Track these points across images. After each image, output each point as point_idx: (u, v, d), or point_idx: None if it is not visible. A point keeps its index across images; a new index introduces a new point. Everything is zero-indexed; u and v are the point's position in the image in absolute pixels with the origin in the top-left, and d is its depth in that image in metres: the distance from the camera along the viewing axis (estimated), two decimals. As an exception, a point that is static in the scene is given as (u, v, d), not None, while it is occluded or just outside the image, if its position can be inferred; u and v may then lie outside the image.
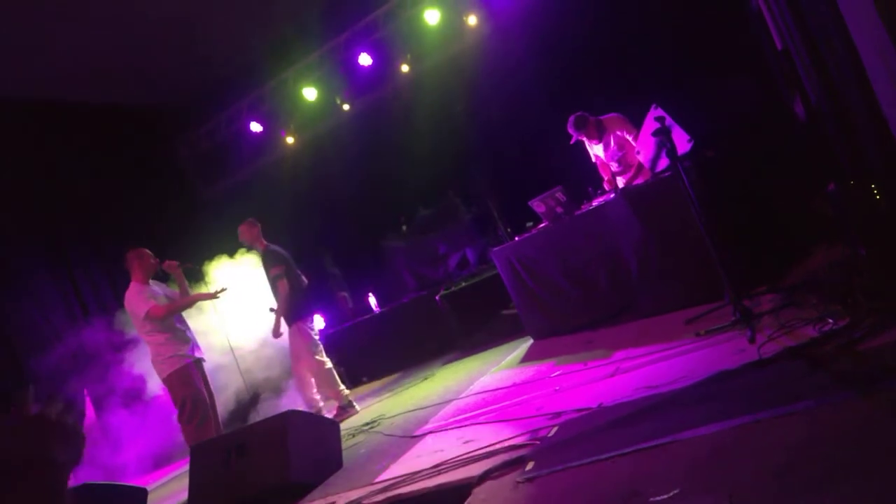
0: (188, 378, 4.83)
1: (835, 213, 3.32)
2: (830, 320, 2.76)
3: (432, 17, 7.58)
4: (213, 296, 5.32)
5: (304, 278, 5.95)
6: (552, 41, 7.12)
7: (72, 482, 6.27)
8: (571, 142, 5.48)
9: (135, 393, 6.69)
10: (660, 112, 3.76)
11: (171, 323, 4.93)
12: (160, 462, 6.83)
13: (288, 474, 3.61)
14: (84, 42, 7.17)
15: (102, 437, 7.03)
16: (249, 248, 6.16)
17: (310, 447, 3.81)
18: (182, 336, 4.99)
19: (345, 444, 4.31)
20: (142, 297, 4.87)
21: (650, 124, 3.82)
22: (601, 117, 5.42)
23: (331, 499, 3.39)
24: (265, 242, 5.80)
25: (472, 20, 7.60)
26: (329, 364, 5.72)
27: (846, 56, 2.75)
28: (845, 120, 3.49)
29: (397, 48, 8.04)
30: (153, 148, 9.22)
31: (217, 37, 7.93)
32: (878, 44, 2.15)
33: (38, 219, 7.73)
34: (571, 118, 5.36)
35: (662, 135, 3.68)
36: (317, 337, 5.78)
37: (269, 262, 5.66)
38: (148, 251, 5.10)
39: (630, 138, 5.26)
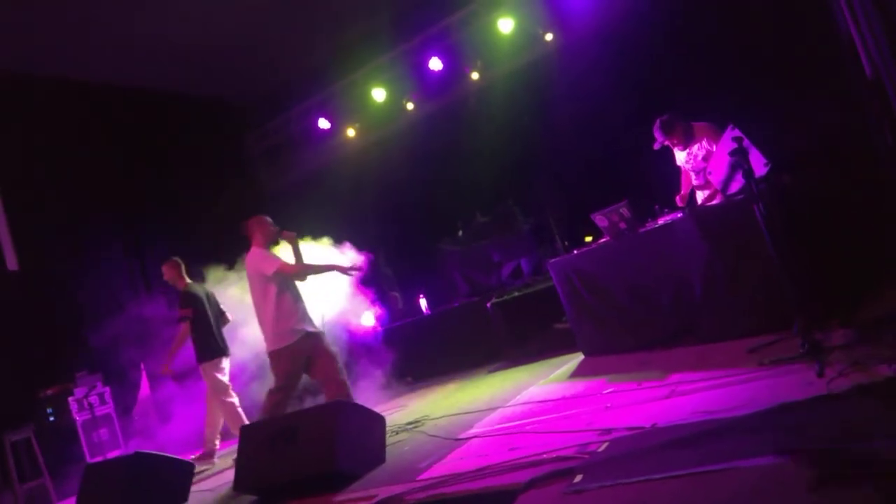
0: (295, 357, 4.75)
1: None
2: (907, 360, 2.62)
3: (506, 25, 7.61)
4: (349, 270, 5.15)
5: (227, 316, 6.12)
6: (627, 55, 7.04)
7: (123, 451, 6.59)
8: (655, 146, 5.14)
9: (188, 370, 6.92)
10: (737, 132, 3.66)
11: (296, 291, 4.90)
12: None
13: (334, 463, 3.66)
14: (168, 32, 7.50)
15: (155, 411, 7.31)
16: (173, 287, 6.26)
17: (357, 439, 3.86)
18: (301, 309, 4.88)
19: (389, 440, 4.34)
20: (268, 256, 4.84)
21: (726, 144, 3.73)
22: (692, 122, 5.11)
23: (373, 491, 3.42)
24: (185, 282, 6.02)
25: (544, 33, 7.60)
26: (237, 404, 5.85)
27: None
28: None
29: (468, 55, 8.11)
30: (224, 139, 9.60)
31: (290, 37, 8.18)
32: None
33: (115, 198, 8.11)
34: (658, 120, 5.05)
35: (739, 156, 3.57)
36: (226, 378, 5.88)
37: (181, 303, 5.91)
38: (268, 218, 5.06)
39: (715, 149, 5.01)
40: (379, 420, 4.11)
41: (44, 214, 7.38)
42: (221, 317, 6.12)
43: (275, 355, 4.78)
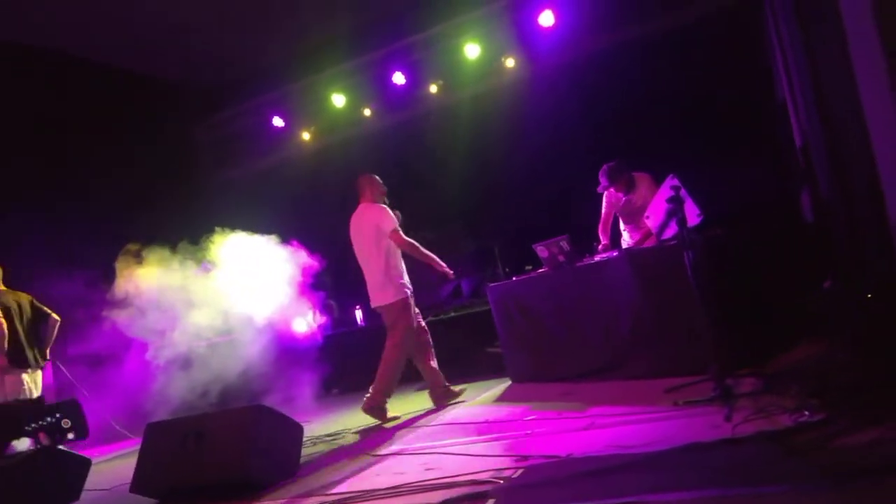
0: (409, 307, 5.05)
1: (826, 310, 3.37)
2: (807, 412, 2.77)
3: (472, 51, 7.74)
4: (445, 270, 5.25)
5: (54, 317, 6.07)
6: (586, 95, 7.28)
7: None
8: (599, 189, 5.40)
9: (102, 357, 6.61)
10: (676, 182, 3.83)
11: (400, 256, 5.07)
12: (113, 436, 6.70)
13: (246, 470, 3.56)
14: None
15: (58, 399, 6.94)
16: None
17: (272, 446, 3.76)
18: (404, 269, 5.15)
19: (305, 451, 4.26)
20: (389, 214, 5.06)
21: (665, 192, 3.88)
22: (633, 172, 5.40)
23: (281, 503, 3.35)
24: (2, 288, 5.94)
25: (510, 62, 7.76)
26: None
27: (864, 168, 2.83)
28: (853, 226, 3.57)
29: (432, 73, 8.18)
30: (171, 123, 9.27)
31: (251, 30, 8.04)
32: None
33: (44, 171, 7.70)
34: (606, 166, 5.30)
35: (675, 203, 3.73)
36: (22, 394, 5.77)
37: None
38: (378, 178, 5.30)
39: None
40: (297, 429, 4.03)
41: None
42: (46, 320, 5.98)
43: (389, 308, 5.02)
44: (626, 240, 5.59)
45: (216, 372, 6.80)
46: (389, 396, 5.15)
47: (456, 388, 5.26)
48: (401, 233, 5.05)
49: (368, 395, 5.06)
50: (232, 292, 6.55)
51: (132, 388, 6.12)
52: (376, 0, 7.87)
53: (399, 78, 8.08)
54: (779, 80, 5.36)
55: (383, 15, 8.07)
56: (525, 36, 7.55)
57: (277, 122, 8.94)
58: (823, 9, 2.93)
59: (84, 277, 6.90)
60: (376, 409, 5.01)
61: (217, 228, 6.65)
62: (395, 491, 3.07)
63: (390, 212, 5.11)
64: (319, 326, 7.63)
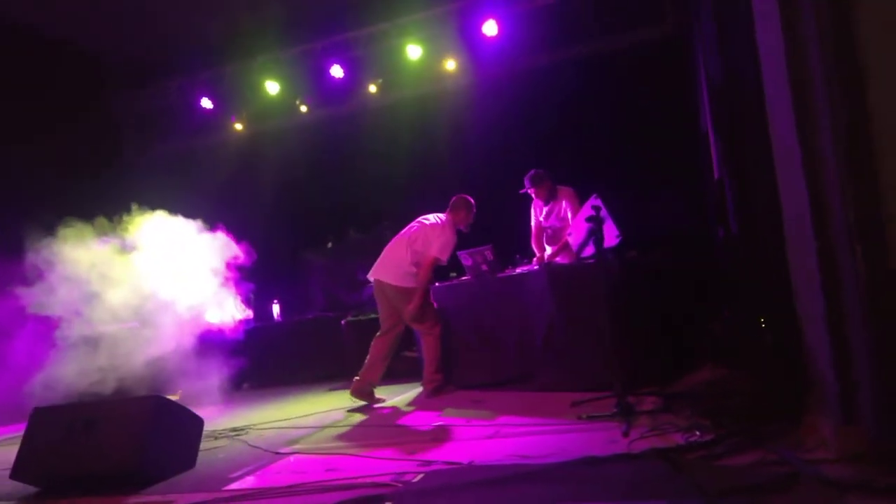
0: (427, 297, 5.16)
1: (724, 336, 3.55)
2: (698, 433, 2.90)
3: (414, 51, 7.72)
4: (412, 310, 5.06)
5: None
6: (521, 108, 7.42)
7: None
8: (522, 191, 5.55)
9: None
10: (598, 202, 3.93)
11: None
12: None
13: (139, 461, 3.39)
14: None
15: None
16: None
17: (168, 438, 3.60)
18: None
19: (205, 445, 4.09)
20: (451, 245, 5.09)
21: (587, 211, 3.99)
22: (557, 185, 5.57)
23: (172, 496, 3.20)
24: None
25: (450, 65, 7.79)
26: None
27: (769, 203, 2.99)
28: (754, 257, 3.78)
29: (372, 71, 8.10)
30: (94, 95, 8.78)
31: (186, 7, 7.71)
32: (798, 203, 2.35)
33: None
34: (532, 171, 5.49)
35: (595, 223, 3.84)
36: None
37: None
38: (474, 209, 5.34)
39: (570, 215, 5.43)
40: (196, 422, 3.87)
41: None
42: None
43: (408, 293, 5.03)
44: (549, 253, 5.72)
45: (123, 358, 6.46)
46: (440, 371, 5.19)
47: (378, 396, 5.21)
48: (436, 263, 5.08)
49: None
50: (150, 275, 6.26)
51: (25, 369, 5.73)
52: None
53: (337, 71, 7.95)
54: (704, 112, 5.63)
55: (325, 6, 7.93)
56: (468, 43, 7.60)
57: (206, 103, 8.61)
58: (744, 46, 3.09)
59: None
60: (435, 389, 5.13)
61: (135, 205, 6.36)
62: (292, 490, 3.00)
63: (452, 243, 5.15)
64: (241, 320, 7.37)
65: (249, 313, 7.50)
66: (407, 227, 5.35)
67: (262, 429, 4.66)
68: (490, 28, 7.29)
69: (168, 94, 8.91)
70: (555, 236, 5.63)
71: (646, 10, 6.99)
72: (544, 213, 5.68)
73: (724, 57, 4.00)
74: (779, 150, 2.70)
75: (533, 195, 5.61)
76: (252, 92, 8.47)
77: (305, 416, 5.04)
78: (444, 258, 5.10)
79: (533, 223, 5.83)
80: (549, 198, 5.57)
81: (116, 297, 5.84)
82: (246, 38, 8.13)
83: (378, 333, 5.30)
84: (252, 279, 8.06)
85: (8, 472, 3.62)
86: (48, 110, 7.87)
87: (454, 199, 5.37)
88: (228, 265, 6.51)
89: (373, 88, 8.15)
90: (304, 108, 8.47)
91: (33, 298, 5.46)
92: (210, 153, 8.96)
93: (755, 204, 3.54)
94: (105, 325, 6.15)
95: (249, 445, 4.14)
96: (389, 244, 5.34)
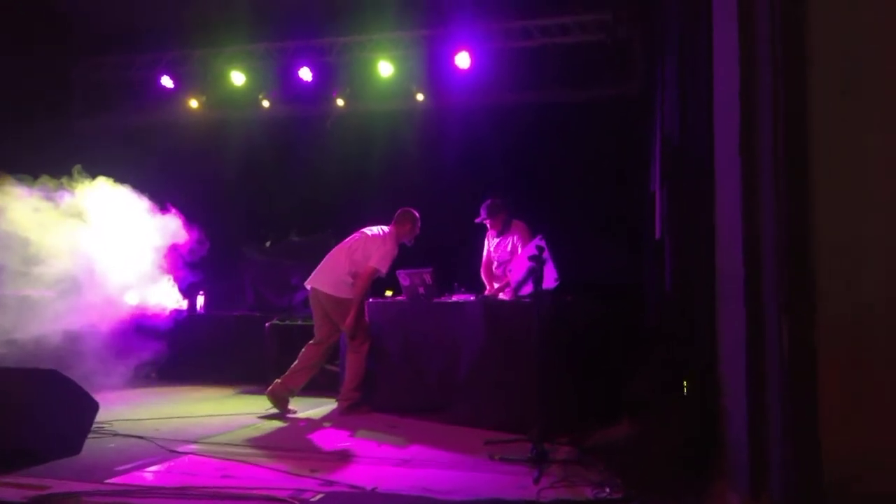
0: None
1: (646, 392, 3.57)
2: (608, 489, 2.88)
3: (386, 69, 7.72)
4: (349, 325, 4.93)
5: None
6: (482, 141, 7.47)
7: None
8: (477, 220, 5.50)
9: None
10: (542, 243, 3.94)
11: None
12: None
13: (21, 438, 3.14)
14: None
15: None
16: None
17: (56, 416, 3.36)
18: None
19: (95, 433, 3.82)
20: (388, 255, 4.98)
21: (530, 250, 3.99)
22: (513, 218, 5.54)
23: (48, 481, 2.95)
24: None
25: (419, 91, 7.82)
26: None
27: (705, 265, 3.05)
28: (684, 316, 3.85)
29: (340, 80, 8.05)
30: (53, 53, 8.39)
31: None
32: (732, 269, 2.39)
33: None
34: (489, 200, 5.45)
35: (536, 263, 3.84)
36: None
37: None
38: (418, 223, 5.26)
39: (520, 250, 5.39)
40: (91, 406, 3.60)
41: None
42: None
43: (343, 303, 4.91)
44: (490, 289, 5.69)
45: (31, 327, 6.05)
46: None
47: (290, 408, 5.01)
48: (374, 274, 4.96)
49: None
50: (85, 244, 5.89)
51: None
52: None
53: (306, 73, 7.87)
54: (654, 171, 5.79)
55: (303, 8, 7.87)
56: (438, 68, 7.67)
57: (167, 81, 8.33)
58: (702, 112, 3.19)
59: None
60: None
61: (77, 168, 6.03)
62: (181, 492, 2.81)
63: (393, 254, 5.06)
64: (173, 309, 7.01)
65: (184, 303, 7.15)
66: (349, 237, 5.25)
67: (160, 423, 4.41)
68: (462, 60, 7.37)
69: (130, 66, 8.59)
70: (503, 269, 5.58)
71: (614, 70, 7.22)
72: (494, 244, 5.66)
73: (682, 120, 4.13)
74: (721, 215, 2.76)
75: (488, 225, 5.57)
76: (216, 79, 8.31)
77: (211, 415, 4.80)
78: (384, 269, 4.99)
79: (485, 253, 5.78)
80: (503, 230, 5.53)
81: (41, 260, 5.50)
82: (219, 26, 7.95)
83: (311, 341, 5.13)
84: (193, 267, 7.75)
85: None
86: (5, 55, 7.46)
87: (400, 211, 5.29)
88: (173, 249, 6.23)
89: (340, 102, 8.09)
90: (266, 104, 8.31)
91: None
92: (164, 133, 8.63)
93: (691, 264, 3.62)
94: (19, 288, 5.76)
95: (144, 438, 3.89)
96: (330, 253, 5.21)
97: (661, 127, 5.26)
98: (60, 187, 5.88)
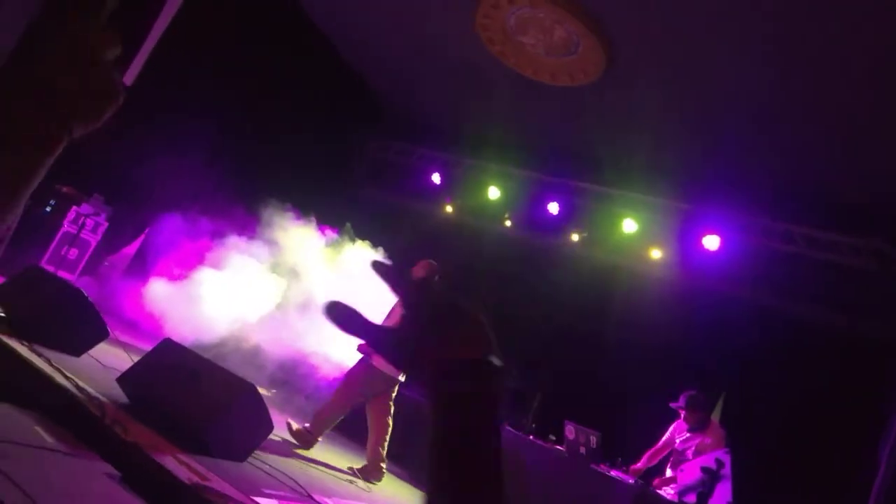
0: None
1: None
2: None
3: (629, 225, 7.89)
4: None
5: None
6: (704, 328, 7.02)
7: (73, 279, 6.59)
8: (673, 404, 5.27)
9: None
10: (725, 458, 3.66)
11: None
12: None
13: (206, 427, 3.63)
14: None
15: (119, 272, 7.51)
16: None
17: (239, 425, 3.82)
18: None
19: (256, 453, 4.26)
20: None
21: (709, 459, 3.72)
22: (712, 418, 5.25)
23: (210, 475, 3.37)
24: None
25: (656, 253, 7.82)
26: None
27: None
28: None
29: (583, 220, 8.39)
30: (349, 128, 9.82)
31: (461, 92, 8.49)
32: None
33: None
34: (693, 391, 5.22)
35: (710, 476, 3.56)
36: None
37: None
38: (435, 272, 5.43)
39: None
40: (267, 426, 4.01)
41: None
42: None
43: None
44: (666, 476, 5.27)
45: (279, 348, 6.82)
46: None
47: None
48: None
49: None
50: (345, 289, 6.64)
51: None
52: (565, 136, 8.31)
53: (554, 208, 8.36)
54: (885, 441, 4.99)
55: (567, 150, 8.43)
56: (684, 242, 7.60)
57: (436, 178, 9.42)
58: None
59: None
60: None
61: (348, 225, 7.38)
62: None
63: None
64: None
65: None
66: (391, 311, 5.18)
67: (307, 466, 4.74)
68: (711, 242, 7.24)
69: (411, 154, 9.90)
70: (676, 463, 5.18)
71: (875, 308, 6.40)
72: (685, 436, 5.27)
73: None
74: None
75: (682, 416, 5.27)
76: (473, 188, 9.15)
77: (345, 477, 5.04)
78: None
79: (664, 438, 5.44)
80: (696, 427, 5.16)
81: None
82: (491, 142, 8.86)
83: None
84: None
85: (117, 375, 4.08)
86: (304, 115, 8.84)
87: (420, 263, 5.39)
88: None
89: (575, 237, 8.39)
90: (508, 223, 8.94)
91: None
92: (424, 218, 9.58)
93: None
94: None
95: (286, 475, 4.22)
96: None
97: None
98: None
